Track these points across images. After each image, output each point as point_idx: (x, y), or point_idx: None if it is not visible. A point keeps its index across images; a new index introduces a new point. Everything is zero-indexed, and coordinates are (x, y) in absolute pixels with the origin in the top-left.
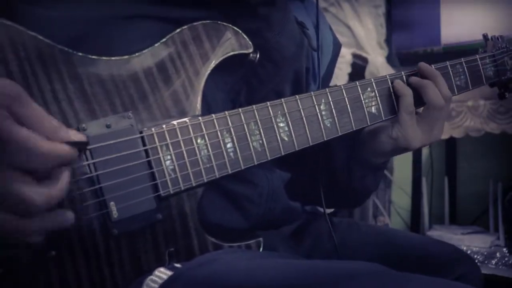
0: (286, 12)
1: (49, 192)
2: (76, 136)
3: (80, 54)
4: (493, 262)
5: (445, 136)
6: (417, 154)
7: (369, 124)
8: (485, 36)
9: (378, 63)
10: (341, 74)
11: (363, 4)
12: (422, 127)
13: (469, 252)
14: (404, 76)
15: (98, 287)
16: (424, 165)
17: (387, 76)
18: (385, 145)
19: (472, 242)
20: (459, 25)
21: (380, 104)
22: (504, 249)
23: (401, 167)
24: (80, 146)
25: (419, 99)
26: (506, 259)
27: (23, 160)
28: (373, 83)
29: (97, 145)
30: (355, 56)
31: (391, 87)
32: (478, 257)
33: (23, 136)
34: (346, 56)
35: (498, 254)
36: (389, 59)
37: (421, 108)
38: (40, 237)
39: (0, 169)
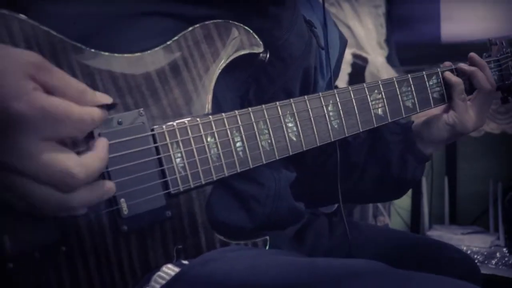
0: (295, 11)
1: (91, 163)
2: (103, 97)
3: (93, 50)
4: (493, 262)
5: None
6: None
7: (375, 125)
8: (490, 41)
9: (378, 63)
10: (341, 74)
11: (363, 4)
12: (474, 111)
13: (469, 252)
14: (439, 72)
15: (107, 282)
16: None
17: (394, 79)
18: (443, 132)
19: (472, 242)
20: (459, 23)
21: (386, 106)
22: (504, 249)
23: None
24: (109, 107)
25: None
26: (506, 259)
27: (61, 130)
28: (380, 85)
29: (109, 142)
30: (355, 56)
31: (397, 89)
32: (478, 257)
33: (54, 105)
34: (346, 56)
35: (498, 254)
36: (389, 59)
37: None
38: (84, 210)
39: (36, 143)
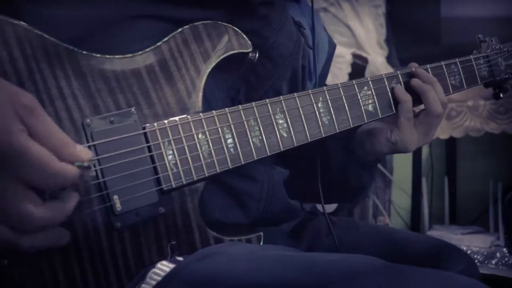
0: (284, 12)
1: (52, 214)
2: (83, 153)
3: (85, 52)
4: (493, 262)
5: (445, 136)
6: (417, 154)
7: (366, 121)
8: (479, 38)
9: (378, 63)
10: (341, 74)
11: (363, 4)
12: (419, 131)
13: (469, 252)
14: (400, 75)
15: (101, 279)
16: (424, 165)
17: (383, 75)
18: (383, 147)
19: (472, 242)
20: (459, 25)
21: (376, 102)
22: (504, 249)
23: (401, 167)
24: (86, 169)
25: (415, 100)
26: (506, 259)
27: (31, 176)
28: (370, 82)
29: (101, 141)
30: (355, 56)
31: (387, 85)
32: (478, 257)
33: (36, 152)
34: (346, 56)
35: (498, 254)
36: (389, 59)
37: (418, 109)
38: (33, 251)
39: (7, 181)
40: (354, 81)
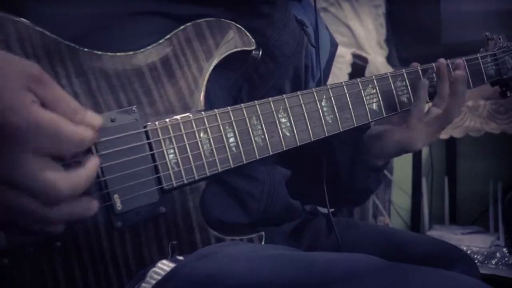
0: (286, 11)
1: (77, 180)
2: (93, 118)
3: (86, 49)
4: (493, 262)
5: (445, 136)
6: (417, 154)
7: (370, 120)
8: (486, 36)
9: (378, 63)
10: (341, 74)
11: (363, 4)
12: (429, 130)
13: (469, 252)
14: (405, 73)
15: (101, 278)
16: (424, 165)
17: (388, 74)
18: (392, 149)
19: (472, 242)
20: (459, 25)
21: (381, 101)
22: (504, 249)
23: (401, 167)
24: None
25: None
26: (506, 259)
27: (49, 144)
28: (374, 80)
29: (101, 139)
30: (355, 56)
31: (391, 84)
32: (478, 257)
33: (49, 120)
34: (346, 56)
35: (498, 254)
36: (389, 59)
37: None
38: (61, 227)
39: (26, 154)
40: (358, 79)
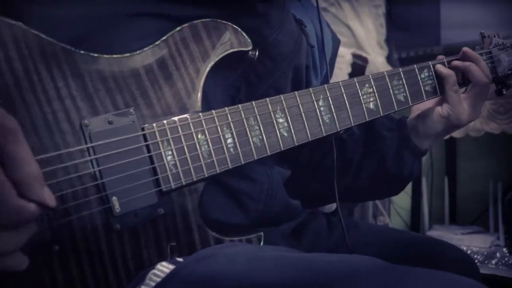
0: (284, 10)
1: (7, 241)
2: (49, 195)
3: (82, 52)
4: (493, 262)
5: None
6: None
7: (367, 119)
8: (482, 34)
9: (378, 63)
10: (341, 74)
11: (363, 4)
12: (468, 104)
13: (469, 252)
14: (401, 72)
15: (101, 281)
16: (424, 165)
17: (385, 73)
18: (438, 124)
19: (472, 242)
20: (459, 25)
21: (378, 100)
22: (504, 249)
23: None
24: (47, 209)
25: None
26: (506, 259)
27: None
28: (371, 79)
29: (99, 142)
30: (355, 56)
31: (388, 83)
32: (478, 257)
33: None
34: (346, 56)
35: (498, 254)
36: (389, 59)
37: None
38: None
39: None
40: (355, 79)
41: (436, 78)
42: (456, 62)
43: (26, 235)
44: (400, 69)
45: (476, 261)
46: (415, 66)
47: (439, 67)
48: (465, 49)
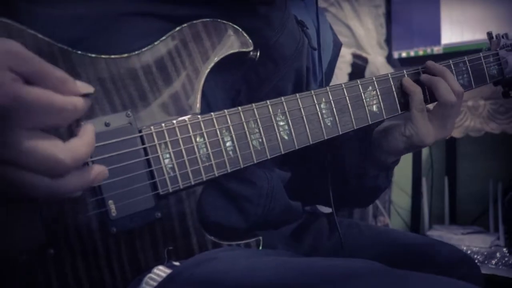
0: (285, 11)
1: (76, 148)
2: (84, 87)
3: (79, 52)
4: (493, 262)
5: None
6: (417, 154)
7: (370, 123)
8: (489, 34)
9: (378, 63)
10: (341, 74)
11: (363, 4)
12: (434, 123)
13: (469, 252)
14: (406, 75)
15: (97, 285)
16: (424, 165)
17: (389, 75)
18: (399, 143)
19: (472, 242)
20: (459, 25)
21: (381, 103)
22: (504, 249)
23: (401, 167)
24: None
25: (430, 96)
26: (506, 259)
27: (41, 118)
28: (375, 82)
29: (96, 144)
30: (355, 56)
31: (392, 85)
32: (478, 257)
33: (35, 96)
34: (346, 56)
35: (498, 254)
36: (389, 59)
37: (432, 104)
38: (78, 193)
39: (20, 131)
40: (358, 81)
41: (395, 93)
42: (423, 77)
43: (91, 133)
44: (405, 71)
45: (476, 261)
46: (419, 68)
47: (406, 80)
48: (429, 62)
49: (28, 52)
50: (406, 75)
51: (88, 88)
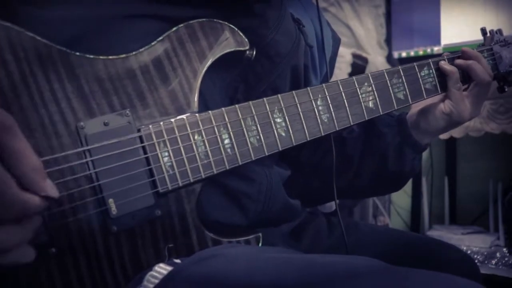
0: (281, 9)
1: (7, 237)
2: (50, 187)
3: (78, 53)
4: (493, 262)
5: (445, 136)
6: None
7: (366, 118)
8: (483, 30)
9: (378, 63)
10: (341, 74)
11: (363, 4)
12: (470, 101)
13: (469, 252)
14: (401, 70)
15: (98, 283)
16: (424, 165)
17: (384, 71)
18: (440, 121)
19: (472, 242)
20: (459, 25)
21: (377, 99)
22: (504, 249)
23: None
24: (51, 200)
25: (463, 78)
26: (506, 259)
27: None
28: (370, 78)
29: (96, 145)
30: (355, 56)
31: (388, 82)
32: (478, 257)
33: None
34: (346, 56)
35: (498, 254)
36: (389, 59)
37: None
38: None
39: None
40: (354, 77)
41: (437, 75)
42: (459, 60)
43: (32, 228)
44: (399, 67)
45: (476, 261)
46: (415, 64)
47: (443, 63)
48: (465, 48)
49: (17, 128)
50: (430, 63)
51: (52, 192)
